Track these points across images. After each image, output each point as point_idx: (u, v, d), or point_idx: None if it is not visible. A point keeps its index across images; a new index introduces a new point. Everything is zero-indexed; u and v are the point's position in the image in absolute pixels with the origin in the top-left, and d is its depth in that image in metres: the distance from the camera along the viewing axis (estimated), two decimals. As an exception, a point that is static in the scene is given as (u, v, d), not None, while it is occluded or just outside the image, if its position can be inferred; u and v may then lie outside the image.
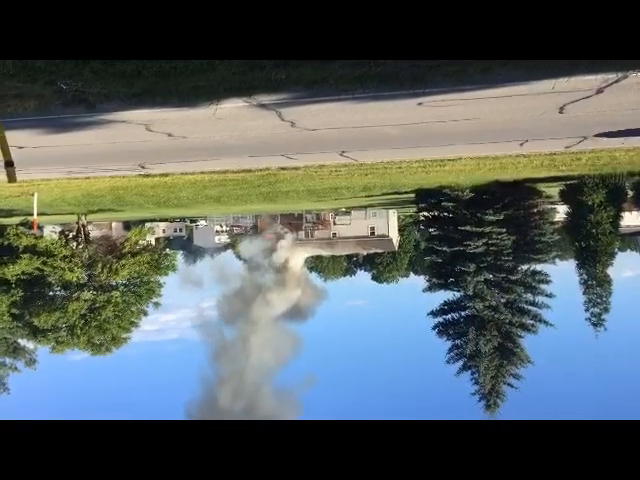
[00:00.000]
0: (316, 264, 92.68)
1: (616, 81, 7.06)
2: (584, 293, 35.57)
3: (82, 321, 37.02)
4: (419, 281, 73.74)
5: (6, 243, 34.29)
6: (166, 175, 20.69)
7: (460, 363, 38.12)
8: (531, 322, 37.13)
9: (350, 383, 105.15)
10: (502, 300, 36.89)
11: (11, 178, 3.73)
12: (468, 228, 34.51)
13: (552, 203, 39.24)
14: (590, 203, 31.80)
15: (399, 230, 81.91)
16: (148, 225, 60.68)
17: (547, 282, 37.18)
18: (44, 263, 35.20)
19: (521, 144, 15.51)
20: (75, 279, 36.52)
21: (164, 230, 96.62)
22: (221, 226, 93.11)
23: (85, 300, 36.77)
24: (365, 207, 62.57)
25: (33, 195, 22.19)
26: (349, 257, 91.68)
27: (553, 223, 38.05)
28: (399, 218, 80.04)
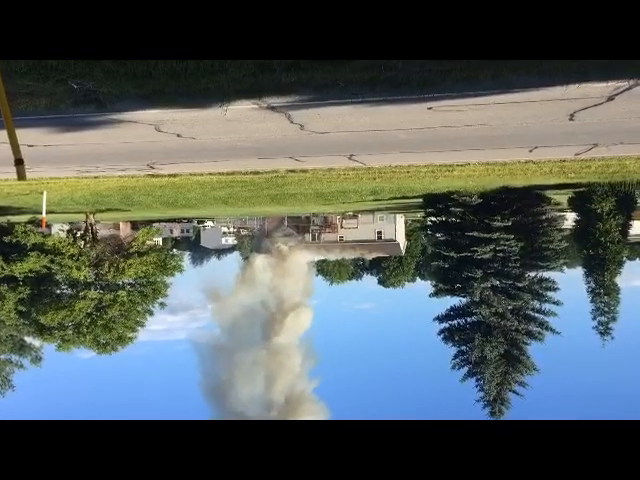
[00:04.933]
0: (322, 267, 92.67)
1: (628, 89, 7.02)
2: (592, 301, 35.44)
3: (88, 320, 37.15)
4: (425, 286, 73.64)
5: (14, 241, 34.50)
6: (174, 176, 20.76)
7: (465, 369, 38.04)
8: (537, 329, 37.00)
9: (353, 387, 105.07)
10: (509, 307, 36.76)
11: (21, 176, 3.73)
12: (476, 234, 34.44)
13: (561, 210, 39.08)
14: (599, 211, 31.71)
15: (406, 235, 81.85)
16: (156, 225, 60.92)
17: (554, 290, 37.06)
18: (52, 261, 35.37)
19: (530, 150, 15.45)
20: (82, 278, 36.66)
21: (171, 230, 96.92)
22: (228, 228, 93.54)
23: (92, 299, 36.87)
24: (373, 211, 62.57)
25: (42, 193, 22.28)
26: (355, 261, 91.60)
27: (561, 230, 37.91)
28: (406, 223, 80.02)
